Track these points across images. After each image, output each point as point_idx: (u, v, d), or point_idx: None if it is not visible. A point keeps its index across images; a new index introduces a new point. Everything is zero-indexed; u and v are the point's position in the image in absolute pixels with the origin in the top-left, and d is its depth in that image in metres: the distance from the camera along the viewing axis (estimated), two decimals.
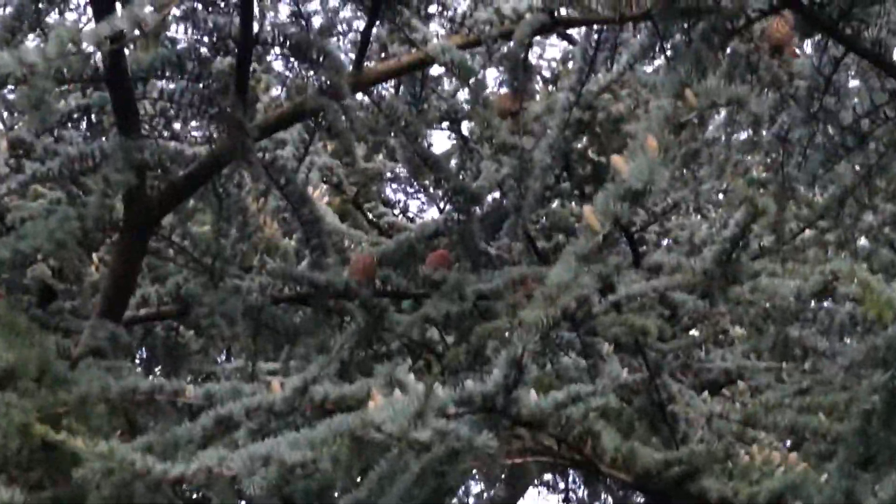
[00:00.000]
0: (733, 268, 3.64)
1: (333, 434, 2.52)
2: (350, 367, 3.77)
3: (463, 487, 3.47)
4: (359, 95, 3.91)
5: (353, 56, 3.85)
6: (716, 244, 3.71)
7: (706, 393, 4.21)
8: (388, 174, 6.22)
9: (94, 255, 4.60)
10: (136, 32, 2.44)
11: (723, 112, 4.45)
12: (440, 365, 4.11)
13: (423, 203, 7.15)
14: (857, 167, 2.80)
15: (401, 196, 7.04)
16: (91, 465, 2.51)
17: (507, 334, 3.22)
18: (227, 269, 4.04)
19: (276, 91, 5.22)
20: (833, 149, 2.69)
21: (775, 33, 3.00)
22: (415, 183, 6.17)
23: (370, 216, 5.81)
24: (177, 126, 4.12)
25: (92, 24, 2.86)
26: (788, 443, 3.79)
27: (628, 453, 3.32)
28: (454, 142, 5.40)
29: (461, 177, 4.74)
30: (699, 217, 5.83)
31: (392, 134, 4.25)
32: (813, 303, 3.94)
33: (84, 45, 2.41)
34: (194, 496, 5.13)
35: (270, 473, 2.46)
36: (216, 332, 3.93)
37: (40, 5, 3.14)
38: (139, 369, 4.34)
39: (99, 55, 3.09)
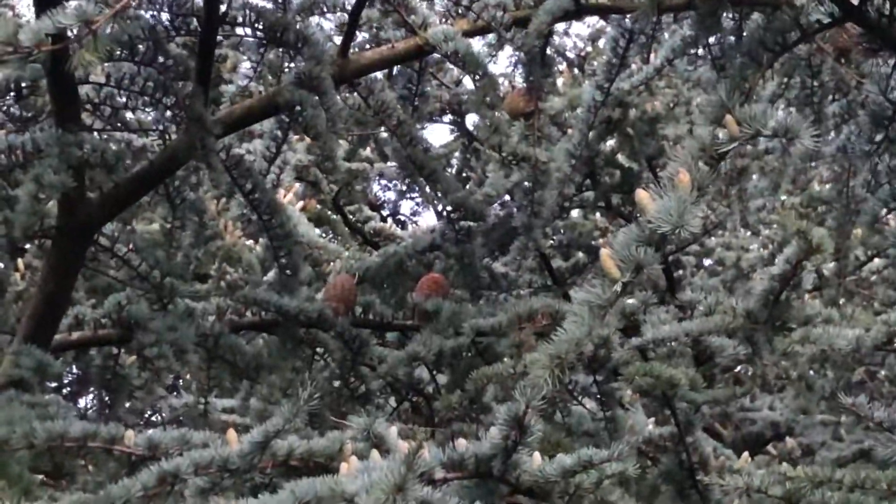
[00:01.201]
0: (782, 310, 3.68)
1: (297, 502, 2.57)
2: (322, 415, 3.78)
3: None
4: (343, 89, 3.91)
5: (338, 41, 3.82)
6: (762, 280, 3.77)
7: (746, 454, 4.23)
8: (376, 176, 6.23)
9: (20, 260, 4.63)
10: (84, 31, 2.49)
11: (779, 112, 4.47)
12: (429, 411, 4.11)
13: (416, 205, 7.09)
14: None
15: (391, 195, 6.97)
16: None
17: (509, 382, 3.24)
18: (178, 288, 4.04)
19: (244, 68, 5.13)
20: None
21: (841, 38, 3.05)
22: (406, 186, 6.11)
23: (352, 220, 5.78)
24: (129, 115, 4.11)
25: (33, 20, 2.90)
26: None
27: None
28: (457, 142, 5.40)
29: (463, 183, 4.73)
30: (748, 234, 5.87)
31: (378, 129, 4.28)
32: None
33: (23, 42, 2.46)
34: None
35: None
36: (163, 364, 3.93)
37: None
38: (68, 403, 4.31)
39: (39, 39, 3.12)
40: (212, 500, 3.03)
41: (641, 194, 2.38)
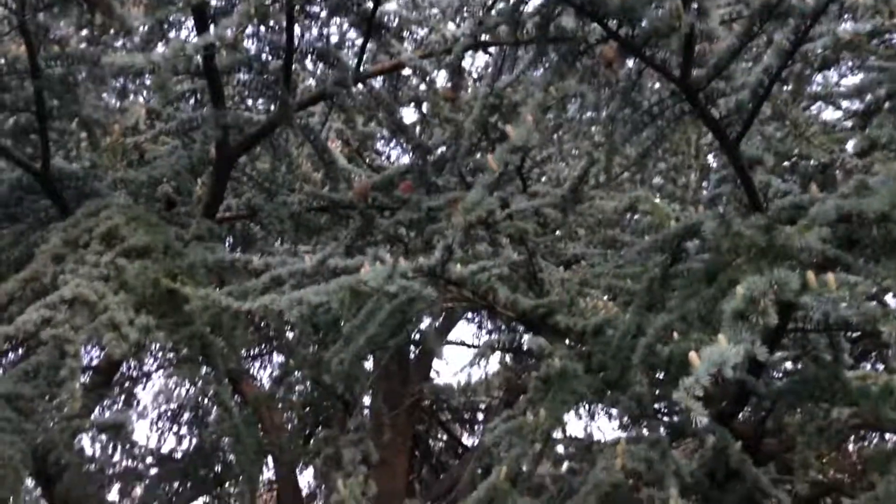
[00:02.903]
0: (578, 194, 3.69)
1: (340, 287, 2.57)
2: (352, 250, 3.78)
3: (417, 320, 3.47)
4: (359, 86, 3.86)
5: (355, 61, 3.76)
6: (569, 180, 3.76)
7: (562, 268, 4.25)
8: (379, 135, 6.15)
9: (199, 180, 4.57)
10: (220, 44, 2.43)
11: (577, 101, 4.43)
12: (406, 250, 4.12)
13: (399, 153, 6.96)
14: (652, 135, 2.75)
15: (387, 149, 6.85)
16: (195, 302, 2.55)
17: (445, 231, 3.24)
18: (278, 190, 4.02)
19: (308, 82, 5.04)
20: (637, 124, 2.70)
21: (607, 53, 3.00)
22: (394, 141, 6.05)
23: (368, 161, 5.75)
24: (248, 102, 4.06)
25: (194, 38, 2.83)
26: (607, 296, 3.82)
27: (513, 300, 3.33)
28: (417, 115, 5.31)
29: (421, 137, 4.68)
30: (564, 164, 5.82)
31: (379, 110, 4.22)
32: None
33: (188, 51, 2.40)
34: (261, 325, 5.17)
35: (303, 309, 2.51)
36: (272, 228, 3.93)
37: (164, 27, 3.09)
38: (226, 249, 4.30)
39: (198, 58, 3.05)
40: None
41: (509, 128, 2.37)
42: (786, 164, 4.14)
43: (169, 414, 6.48)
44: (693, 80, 2.48)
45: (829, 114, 4.95)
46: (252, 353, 7.04)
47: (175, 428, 6.53)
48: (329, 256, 2.86)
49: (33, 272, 2.76)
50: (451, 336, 7.28)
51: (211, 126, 3.38)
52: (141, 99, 4.76)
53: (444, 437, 8.62)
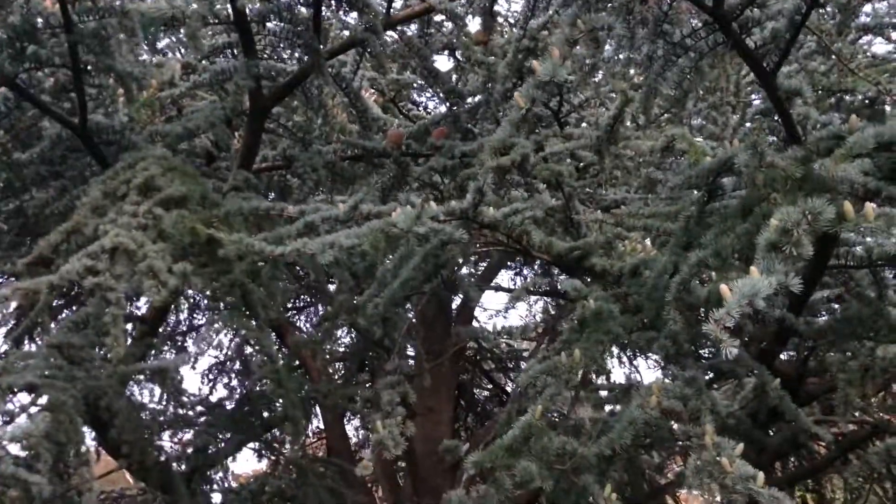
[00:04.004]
0: (614, 135, 3.62)
1: (370, 229, 2.58)
2: (387, 196, 3.79)
3: (452, 265, 3.47)
4: (390, 33, 3.81)
5: (384, 6, 3.71)
6: (604, 120, 3.68)
7: (599, 211, 4.20)
8: (415, 85, 6.10)
9: (236, 134, 4.61)
10: None
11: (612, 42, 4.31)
12: (440, 195, 4.11)
13: (437, 104, 6.92)
14: (686, 68, 2.67)
15: (423, 98, 6.82)
16: (228, 247, 2.59)
17: (477, 175, 3.22)
18: (313, 140, 4.03)
19: (339, 31, 5.01)
20: (670, 57, 2.62)
21: None
22: (430, 91, 6.00)
23: (404, 111, 5.72)
24: (281, 53, 4.05)
25: None
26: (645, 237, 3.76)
27: (548, 243, 3.30)
28: (453, 62, 5.25)
29: (455, 83, 4.64)
30: (602, 108, 5.70)
31: (411, 57, 4.18)
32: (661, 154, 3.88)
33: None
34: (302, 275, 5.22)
35: (335, 252, 2.53)
36: (307, 177, 3.95)
37: None
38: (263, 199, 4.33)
39: (229, 8, 3.05)
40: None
41: (535, 63, 2.33)
42: (831, 100, 4.01)
43: (218, 364, 6.67)
44: (726, 8, 2.40)
45: (880, 47, 4.76)
46: (296, 304, 7.17)
47: (224, 378, 6.73)
48: (361, 202, 2.86)
49: (75, 223, 2.83)
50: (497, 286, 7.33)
51: (243, 76, 3.39)
52: (178, 56, 4.81)
53: (489, 386, 8.69)
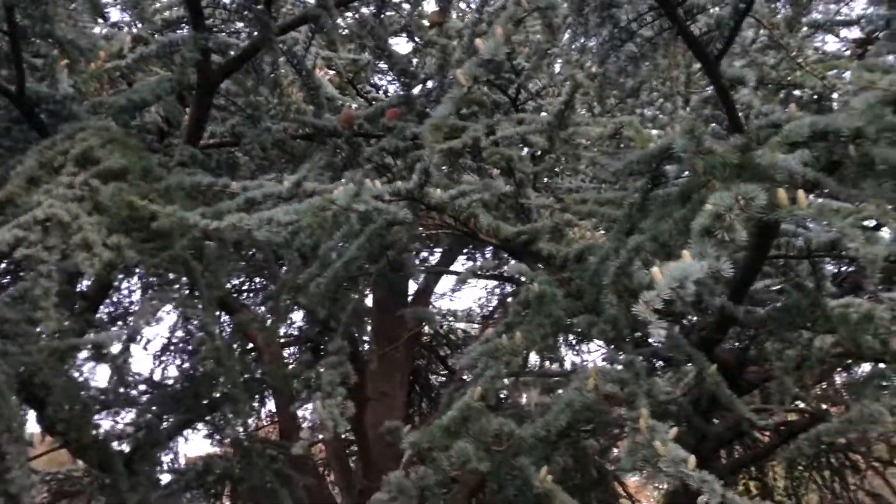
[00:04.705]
0: (564, 121, 3.62)
1: (310, 206, 2.54)
2: (338, 176, 3.74)
3: (400, 247, 3.43)
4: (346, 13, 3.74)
5: None
6: (556, 106, 3.67)
7: (552, 198, 4.19)
8: (376, 68, 6.01)
9: (187, 109, 4.51)
10: None
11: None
12: (391, 175, 4.07)
13: (397, 88, 6.80)
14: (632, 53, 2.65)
15: (384, 82, 6.72)
16: (162, 220, 2.53)
17: (424, 154, 3.18)
18: (263, 116, 3.96)
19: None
20: (615, 41, 2.61)
21: None
22: (390, 75, 5.92)
23: (362, 93, 5.65)
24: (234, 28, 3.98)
25: None
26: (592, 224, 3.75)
27: (496, 227, 3.30)
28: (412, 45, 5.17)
29: (416, 67, 4.57)
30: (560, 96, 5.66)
31: (366, 36, 4.12)
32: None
33: None
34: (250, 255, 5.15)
35: (272, 228, 2.49)
36: (255, 154, 3.88)
37: None
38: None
39: None
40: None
41: (478, 41, 2.30)
42: (781, 95, 4.04)
43: (171, 345, 6.56)
44: None
45: (833, 46, 4.81)
46: (252, 286, 7.08)
47: (178, 360, 6.63)
48: (304, 179, 2.81)
49: (8, 194, 2.74)
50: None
51: (190, 48, 3.31)
52: (133, 30, 4.70)
53: (445, 372, 8.70)
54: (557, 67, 5.25)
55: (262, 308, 4.92)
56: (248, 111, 3.90)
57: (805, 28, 4.39)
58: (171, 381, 5.01)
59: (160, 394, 4.32)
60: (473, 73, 2.24)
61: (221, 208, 2.69)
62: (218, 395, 4.32)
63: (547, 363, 4.32)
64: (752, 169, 2.33)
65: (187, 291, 3.46)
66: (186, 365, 6.44)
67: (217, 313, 4.19)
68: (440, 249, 6.63)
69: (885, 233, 2.90)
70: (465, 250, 6.71)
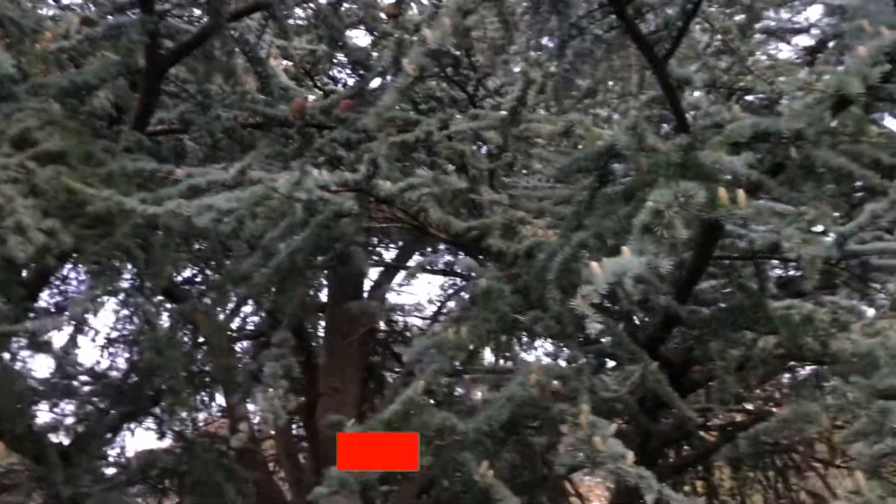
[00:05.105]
0: (517, 118, 3.61)
1: (252, 194, 2.49)
2: (286, 165, 3.68)
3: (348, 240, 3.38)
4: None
5: None
6: (508, 103, 3.66)
7: (504, 194, 4.17)
8: (335, 60, 5.93)
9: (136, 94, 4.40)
10: None
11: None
12: (342, 167, 4.00)
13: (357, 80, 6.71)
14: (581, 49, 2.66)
15: (343, 75, 6.62)
16: (98, 204, 2.46)
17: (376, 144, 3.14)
18: (212, 104, 3.88)
19: None
20: (565, 38, 2.61)
21: None
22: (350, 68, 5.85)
23: (319, 85, 5.56)
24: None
25: None
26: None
27: (446, 222, 3.27)
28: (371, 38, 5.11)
29: (368, 57, 4.51)
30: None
31: (321, 26, 4.06)
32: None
33: None
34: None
35: (212, 215, 2.44)
36: (205, 142, 3.81)
37: None
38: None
39: None
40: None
41: (426, 31, 2.28)
42: (733, 99, 4.09)
43: (119, 337, 6.43)
44: None
45: (786, 54, 4.88)
46: (205, 279, 6.96)
47: (126, 352, 6.49)
48: (249, 167, 2.76)
49: None
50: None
51: (137, 32, 3.24)
52: (85, 12, 4.57)
53: (399, 369, 8.65)
54: (518, 67, 5.23)
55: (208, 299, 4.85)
56: (199, 98, 3.82)
57: (758, 35, 4.46)
58: (114, 373, 4.89)
59: (102, 385, 4.22)
60: (420, 63, 2.22)
61: (162, 194, 2.62)
62: (162, 387, 4.25)
63: (501, 360, 4.31)
64: (695, 168, 2.35)
65: (131, 281, 3.39)
66: (133, 357, 6.32)
67: (162, 303, 4.11)
68: (396, 246, 6.58)
69: (828, 236, 2.95)
70: (420, 248, 6.68)
